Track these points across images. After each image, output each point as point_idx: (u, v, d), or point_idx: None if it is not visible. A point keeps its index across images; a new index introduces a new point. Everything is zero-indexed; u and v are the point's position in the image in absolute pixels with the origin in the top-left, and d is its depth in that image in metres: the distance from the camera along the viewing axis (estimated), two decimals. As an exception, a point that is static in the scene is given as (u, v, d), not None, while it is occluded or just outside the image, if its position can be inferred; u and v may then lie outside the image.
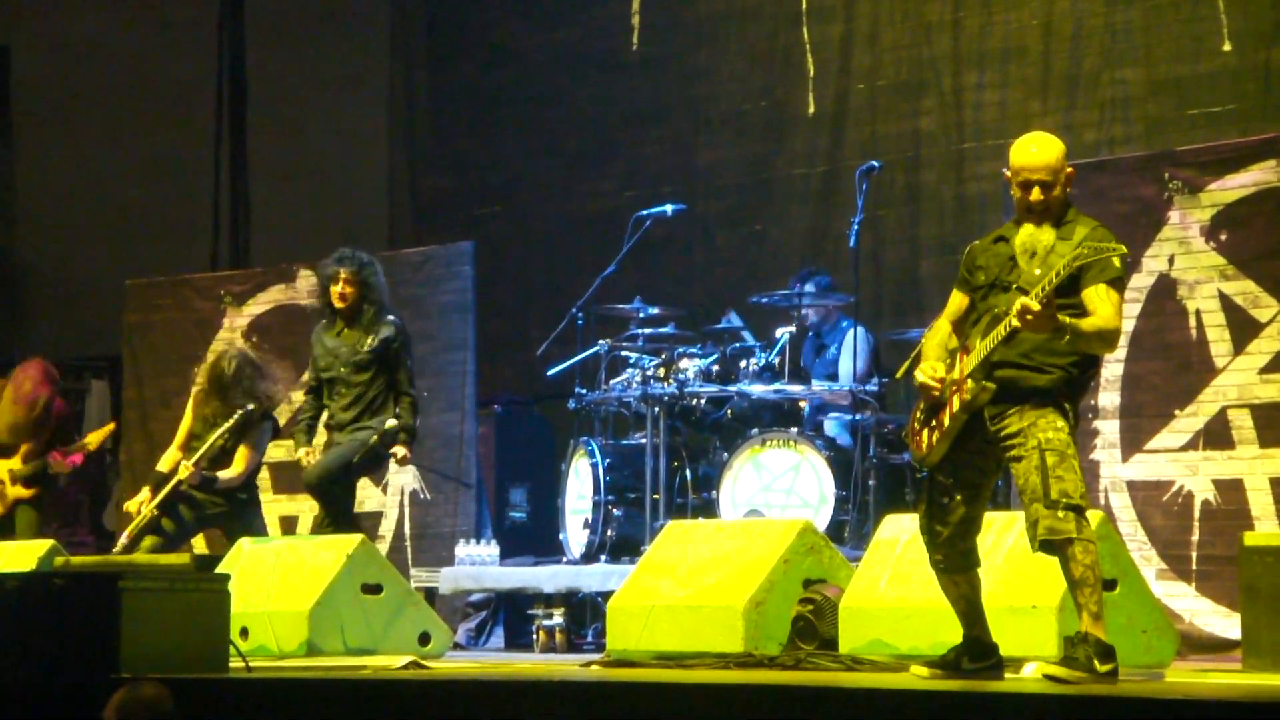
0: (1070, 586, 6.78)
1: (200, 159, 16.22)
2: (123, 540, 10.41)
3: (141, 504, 10.47)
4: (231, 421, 10.44)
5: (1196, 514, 9.44)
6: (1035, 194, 6.94)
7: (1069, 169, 7.00)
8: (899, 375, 10.57)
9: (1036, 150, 6.98)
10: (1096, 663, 6.61)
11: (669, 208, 11.75)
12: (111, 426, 12.48)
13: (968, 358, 6.92)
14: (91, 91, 17.39)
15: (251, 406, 10.55)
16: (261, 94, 16.17)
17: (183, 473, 10.37)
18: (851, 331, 11.11)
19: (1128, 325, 9.43)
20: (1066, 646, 6.75)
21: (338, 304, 10.38)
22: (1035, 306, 6.62)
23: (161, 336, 13.11)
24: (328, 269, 10.45)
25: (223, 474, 10.45)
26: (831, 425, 11.04)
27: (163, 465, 10.68)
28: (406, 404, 10.35)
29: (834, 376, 11.06)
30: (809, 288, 11.33)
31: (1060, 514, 6.72)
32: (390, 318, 10.46)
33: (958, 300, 7.15)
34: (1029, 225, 7.01)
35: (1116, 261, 6.80)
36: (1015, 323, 6.69)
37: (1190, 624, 9.30)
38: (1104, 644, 6.68)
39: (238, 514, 10.62)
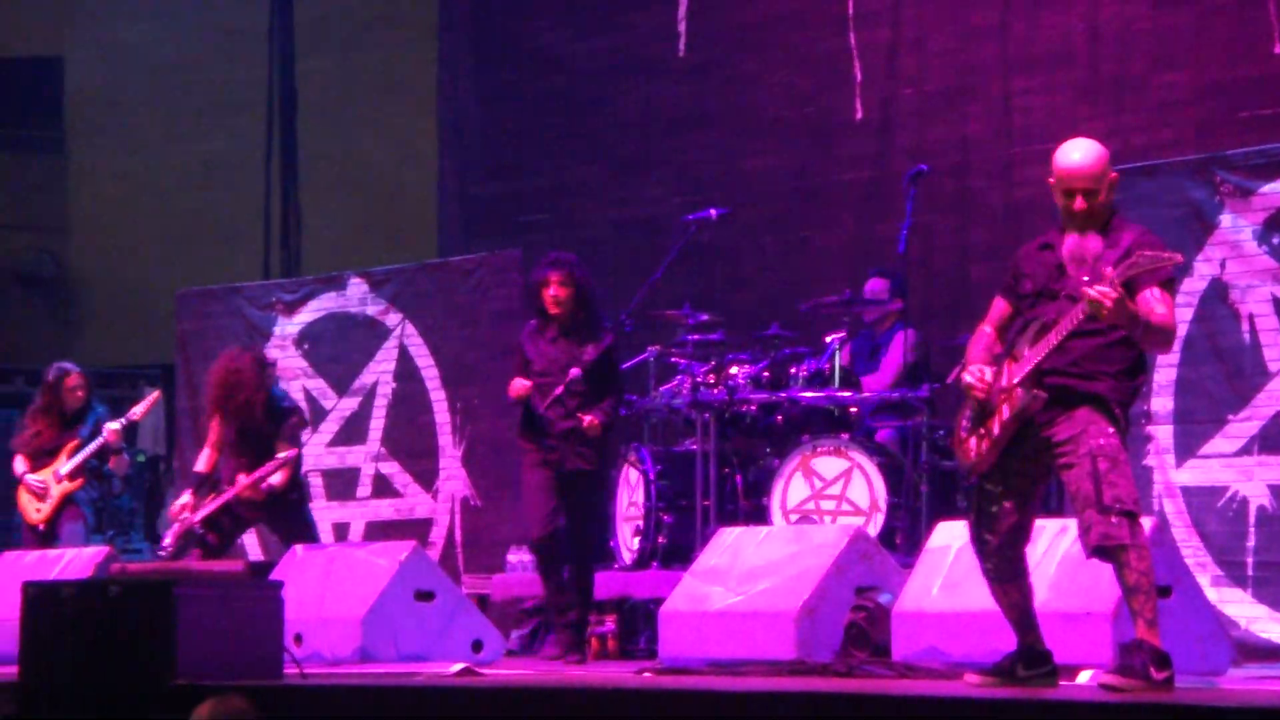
0: (1125, 593, 6.76)
1: (251, 167, 16.29)
2: (167, 544, 10.43)
3: (185, 508, 10.50)
4: (285, 432, 10.48)
5: (1252, 520, 9.40)
6: (1079, 201, 6.94)
7: (1113, 174, 6.99)
8: (950, 380, 10.59)
9: (1079, 157, 6.97)
10: (1152, 670, 6.59)
11: (713, 212, 11.74)
12: (157, 394, 12.43)
13: (1016, 365, 6.92)
14: (143, 100, 17.50)
15: (289, 398, 10.62)
16: (311, 102, 16.23)
17: (243, 491, 10.40)
18: (901, 333, 11.10)
19: (1181, 330, 9.39)
20: (1122, 654, 6.73)
21: (552, 309, 9.99)
22: (1113, 294, 6.60)
23: (214, 344, 13.13)
24: (538, 273, 10.09)
25: (273, 481, 10.48)
26: (884, 433, 11.02)
27: (201, 465, 10.68)
28: (615, 400, 10.08)
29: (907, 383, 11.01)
30: (876, 285, 11.32)
31: (1114, 520, 6.71)
32: (606, 322, 10.26)
33: (1001, 306, 7.15)
34: (1074, 232, 7.00)
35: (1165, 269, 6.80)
36: (1090, 308, 6.63)
37: (1246, 631, 9.25)
38: (1159, 651, 6.65)
39: (286, 513, 10.64)
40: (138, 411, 11.94)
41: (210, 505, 10.49)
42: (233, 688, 6.72)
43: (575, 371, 9.79)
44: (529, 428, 9.90)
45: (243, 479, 10.42)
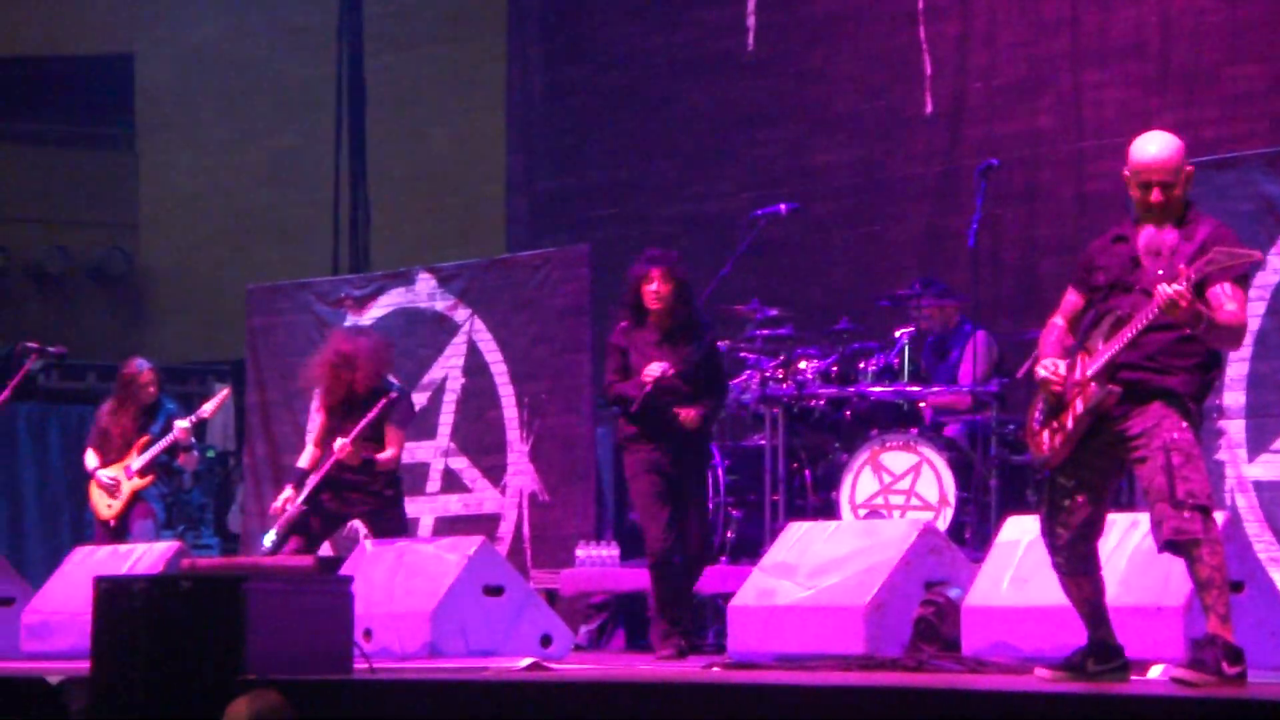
0: (1197, 588, 6.72)
1: (320, 163, 16.34)
2: (273, 537, 10.34)
3: (287, 501, 10.43)
4: (384, 401, 10.39)
5: (1324, 514, 9.33)
6: (1155, 194, 6.89)
7: (1189, 168, 6.95)
8: (1020, 375, 10.54)
9: (1155, 150, 6.93)
10: (1224, 665, 6.54)
11: (783, 207, 11.71)
12: (227, 391, 12.43)
13: (1090, 359, 6.88)
14: (213, 97, 17.60)
15: (396, 383, 10.58)
16: (380, 98, 16.27)
17: (342, 453, 10.23)
18: (973, 336, 11.04)
19: (1253, 324, 9.30)
20: (1194, 649, 6.69)
21: (653, 305, 9.83)
22: (1187, 294, 6.57)
23: (283, 340, 13.19)
24: (637, 269, 9.92)
25: (380, 455, 10.43)
26: (952, 428, 10.97)
27: (304, 462, 10.62)
28: (718, 399, 10.02)
29: (955, 381, 10.97)
30: (926, 303, 11.28)
31: (1186, 514, 6.67)
32: (706, 319, 10.14)
33: (1073, 299, 7.11)
34: (1150, 225, 6.96)
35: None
36: (1161, 309, 6.62)
37: (1319, 626, 9.17)
38: (1232, 646, 6.61)
39: (383, 510, 10.60)
40: (208, 409, 11.97)
41: (312, 481, 10.38)
42: (271, 683, 6.77)
43: (665, 367, 9.68)
44: (635, 429, 9.79)
45: (342, 441, 10.27)
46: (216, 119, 17.62)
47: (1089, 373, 6.85)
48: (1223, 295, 6.75)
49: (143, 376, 11.99)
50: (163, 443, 11.79)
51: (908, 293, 11.16)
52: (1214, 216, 7.10)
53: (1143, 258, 6.91)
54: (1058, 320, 7.14)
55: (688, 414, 9.67)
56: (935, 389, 10.87)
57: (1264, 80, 11.73)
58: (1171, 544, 6.72)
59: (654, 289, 9.81)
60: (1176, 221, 6.92)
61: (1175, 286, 6.59)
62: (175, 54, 17.89)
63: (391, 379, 10.74)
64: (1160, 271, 6.75)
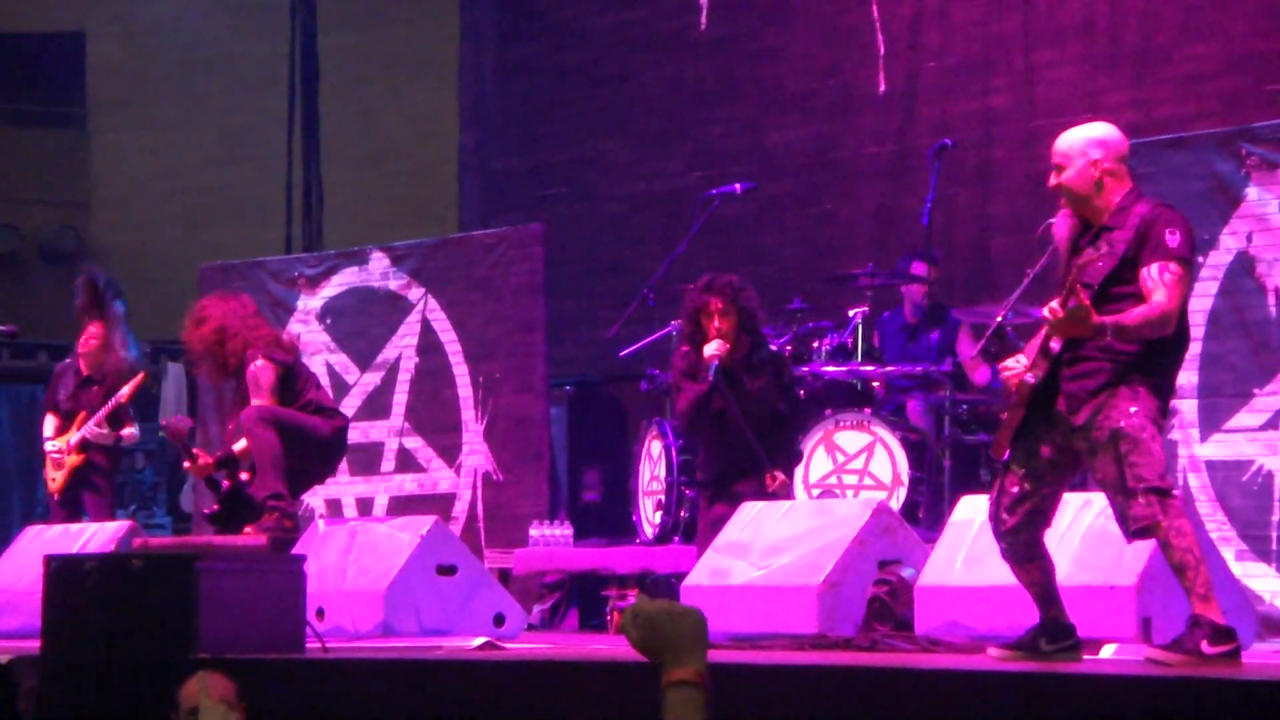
0: (1174, 572, 6.69)
1: (273, 142, 16.28)
2: None
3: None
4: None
5: (1276, 494, 9.34)
6: (1049, 178, 6.94)
7: (1095, 156, 6.90)
8: (974, 355, 10.57)
9: (1056, 141, 6.99)
10: (1204, 644, 6.51)
11: (739, 187, 11.71)
12: (142, 376, 12.14)
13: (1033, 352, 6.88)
14: (165, 75, 17.52)
15: None
16: (333, 76, 16.22)
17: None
18: (949, 314, 11.07)
19: (1206, 304, 9.35)
20: (1186, 628, 6.67)
21: (714, 338, 9.39)
22: (1060, 313, 6.59)
23: (236, 319, 13.13)
24: (695, 298, 9.46)
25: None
26: (912, 407, 10.99)
27: None
28: (793, 434, 9.67)
29: (940, 361, 10.93)
30: (920, 268, 11.26)
31: (1141, 500, 6.65)
32: (772, 347, 9.76)
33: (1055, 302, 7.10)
34: (1079, 221, 6.99)
35: (1167, 240, 6.72)
36: (1052, 329, 6.66)
37: (1271, 605, 9.21)
38: (1217, 625, 6.57)
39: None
40: (124, 393, 11.73)
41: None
42: (222, 663, 6.74)
43: (722, 346, 9.29)
44: (711, 488, 9.53)
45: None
46: (169, 97, 17.54)
47: (1028, 364, 6.86)
48: (1149, 279, 6.73)
49: (82, 333, 11.76)
50: (96, 416, 11.60)
51: (919, 271, 11.14)
52: (1166, 197, 7.10)
53: (1071, 256, 6.93)
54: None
55: (775, 484, 9.39)
56: (889, 368, 10.88)
57: (1215, 60, 11.77)
58: (1139, 532, 6.70)
59: (715, 325, 9.36)
60: (1104, 215, 6.90)
61: (1049, 306, 6.61)
62: (127, 32, 17.79)
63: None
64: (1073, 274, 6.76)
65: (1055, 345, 6.77)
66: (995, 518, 7.01)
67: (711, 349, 9.37)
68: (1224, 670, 6.36)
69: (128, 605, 7.75)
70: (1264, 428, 9.41)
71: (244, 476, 9.83)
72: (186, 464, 10.12)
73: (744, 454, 9.47)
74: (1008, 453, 6.96)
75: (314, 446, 9.80)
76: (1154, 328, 6.71)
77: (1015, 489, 6.94)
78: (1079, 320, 6.58)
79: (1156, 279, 6.71)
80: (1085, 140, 6.93)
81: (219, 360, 9.90)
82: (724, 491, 9.48)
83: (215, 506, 9.85)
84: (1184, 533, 6.65)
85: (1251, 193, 9.54)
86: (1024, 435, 6.90)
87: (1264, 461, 9.40)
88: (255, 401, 9.69)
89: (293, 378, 9.87)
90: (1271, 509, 9.34)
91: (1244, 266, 9.53)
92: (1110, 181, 6.89)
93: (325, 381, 12.33)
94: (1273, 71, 11.49)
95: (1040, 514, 6.97)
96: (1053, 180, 6.94)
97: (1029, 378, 6.79)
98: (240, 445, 9.84)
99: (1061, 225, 7.03)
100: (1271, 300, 9.46)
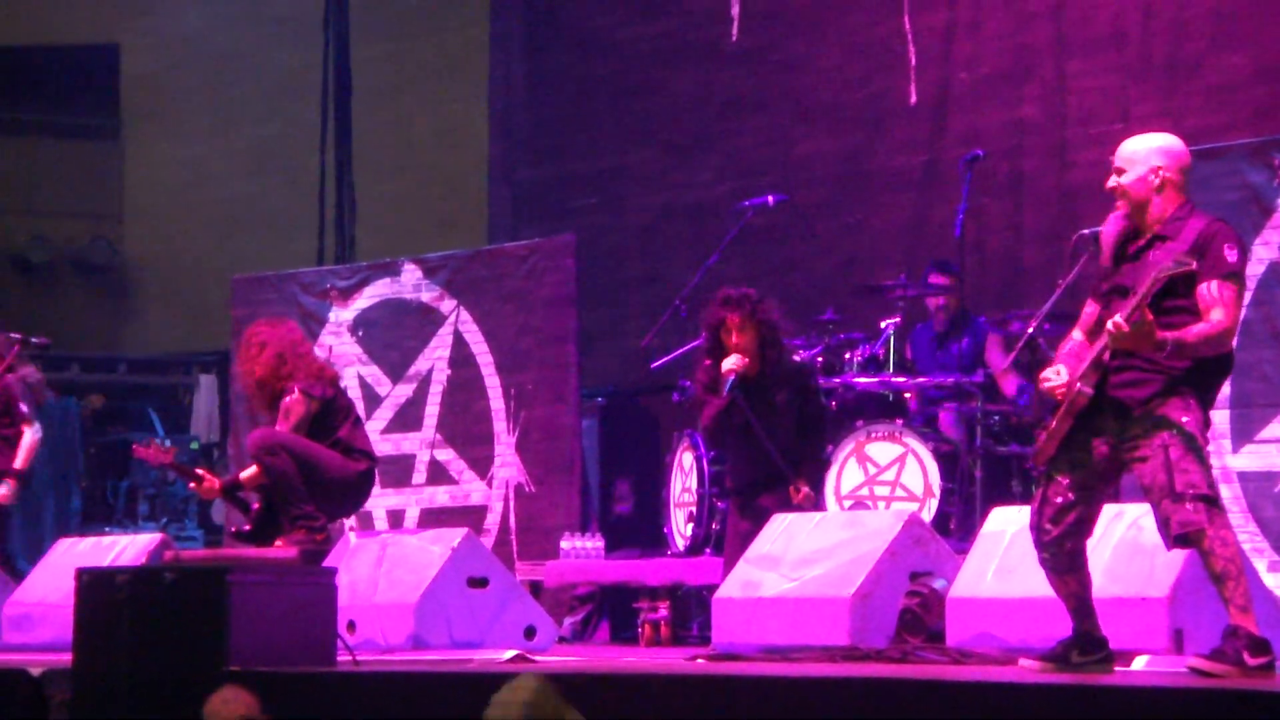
0: (1213, 581, 6.67)
1: (305, 153, 16.32)
2: None
3: None
4: None
5: (1309, 505, 9.33)
6: (1108, 179, 6.95)
7: (1158, 164, 6.91)
8: (1004, 367, 10.55)
9: (1120, 146, 6.99)
10: (1246, 655, 6.51)
11: (771, 198, 11.71)
12: (34, 441, 11.25)
13: (1082, 362, 6.87)
14: (198, 87, 17.59)
15: None
16: (365, 88, 16.26)
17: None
18: (977, 323, 11.05)
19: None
20: (1223, 639, 6.65)
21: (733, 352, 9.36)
22: (1125, 328, 6.58)
23: (268, 331, 13.15)
24: (713, 313, 9.45)
25: None
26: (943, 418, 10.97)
27: None
28: (817, 446, 9.63)
29: (968, 369, 10.92)
30: (937, 279, 11.25)
31: (1189, 506, 6.64)
32: (796, 359, 9.71)
33: (1090, 309, 7.07)
34: (1131, 224, 6.98)
35: (1226, 256, 6.73)
36: (1110, 341, 6.65)
37: (1303, 616, 9.17)
38: (1255, 637, 6.58)
39: None
40: (19, 461, 11.20)
41: None
42: (249, 677, 6.76)
43: (741, 360, 9.26)
44: (739, 503, 9.52)
45: None
46: (202, 109, 17.60)
47: (1076, 375, 6.84)
48: (1208, 295, 6.74)
49: None
50: None
51: (938, 279, 11.13)
52: (1198, 208, 7.09)
53: (1120, 263, 6.92)
54: (1075, 333, 7.11)
55: (800, 497, 9.37)
56: (921, 379, 10.86)
57: (1246, 70, 11.73)
58: (1181, 538, 6.69)
59: (733, 340, 9.32)
60: (1159, 225, 6.90)
61: (1114, 320, 6.60)
62: (160, 44, 17.87)
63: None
64: (1127, 285, 6.75)
65: (1107, 356, 6.77)
66: (1038, 528, 7.00)
67: (729, 364, 9.37)
68: (1264, 682, 6.34)
69: (159, 618, 7.77)
70: (1296, 439, 9.38)
71: (254, 506, 9.88)
72: (192, 485, 10.17)
73: (767, 467, 9.48)
74: (1049, 463, 6.95)
75: (328, 485, 9.80)
76: (1213, 345, 6.74)
77: (1059, 499, 6.93)
78: (1143, 335, 6.59)
79: (1216, 296, 6.72)
80: (1150, 148, 6.95)
81: (274, 389, 9.89)
82: (749, 505, 9.49)
83: (247, 526, 9.89)
84: (1228, 543, 6.66)
85: (1283, 202, 9.51)
86: (1070, 445, 6.89)
87: (1296, 473, 9.37)
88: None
89: (330, 413, 9.89)
90: (1304, 520, 9.31)
91: (1277, 277, 9.50)
92: (1169, 191, 6.91)
93: (357, 394, 12.37)
94: (1305, 81, 11.47)
95: (1084, 523, 6.98)
96: (1112, 182, 6.94)
97: (1085, 389, 6.77)
98: (247, 473, 9.87)
99: (1110, 228, 7.02)
100: (1304, 311, 9.43)
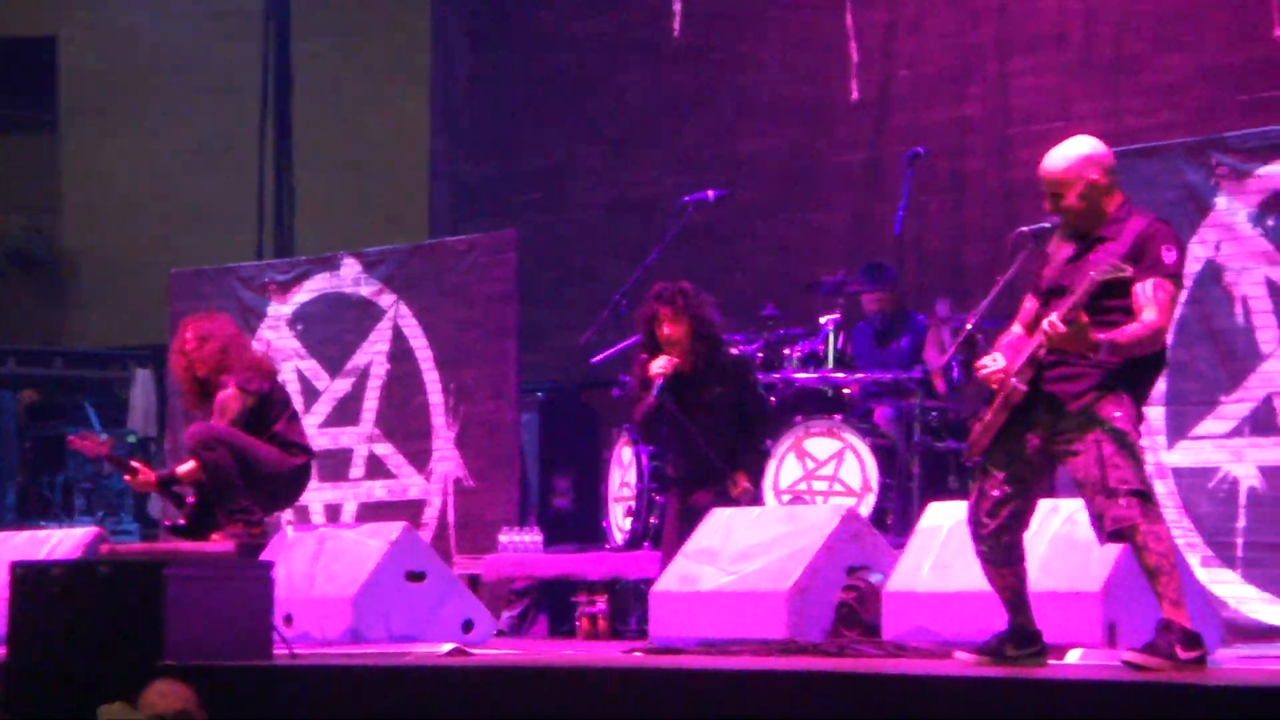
0: (1146, 576, 6.71)
1: (246, 148, 16.27)
2: None
3: None
4: None
5: (1242, 501, 9.37)
6: (1045, 204, 6.96)
7: (1092, 175, 6.92)
8: (942, 364, 10.58)
9: (1046, 160, 7.01)
10: (1179, 649, 6.55)
11: (711, 194, 11.72)
12: None
13: (1020, 357, 6.90)
14: (138, 80, 17.50)
15: None
16: (307, 82, 16.21)
17: None
18: (934, 324, 11.07)
19: (1174, 312, 9.35)
20: (1156, 634, 6.68)
21: (668, 350, 9.38)
22: (1061, 329, 6.61)
23: (206, 326, 13.10)
24: (646, 308, 9.46)
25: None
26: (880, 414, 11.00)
27: None
28: (757, 440, 9.61)
29: (908, 366, 10.95)
30: (869, 287, 11.26)
31: (1122, 502, 6.67)
32: (734, 352, 9.68)
33: (1029, 304, 7.10)
34: (1070, 230, 7.01)
35: (1164, 256, 6.77)
36: (1046, 340, 6.68)
37: (1236, 611, 9.23)
38: (1188, 631, 6.62)
39: None
40: None
41: None
42: (186, 671, 6.74)
43: (670, 361, 9.23)
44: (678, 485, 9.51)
45: None
46: (141, 102, 17.51)
47: (1013, 369, 6.87)
48: (1143, 296, 6.77)
49: None
50: None
51: (870, 284, 11.14)
52: (1137, 205, 7.12)
53: (1064, 265, 6.94)
54: (1015, 327, 7.13)
55: (739, 489, 9.39)
56: (859, 375, 10.89)
57: (1187, 70, 11.80)
58: (1115, 534, 6.72)
59: (665, 333, 9.31)
60: (1099, 227, 6.93)
61: (1049, 320, 6.63)
62: (100, 37, 17.78)
63: None
64: (1067, 285, 6.78)
65: (1043, 353, 6.80)
66: (975, 521, 7.03)
67: (657, 366, 9.37)
68: (1195, 676, 6.38)
69: (94, 612, 7.74)
70: (1230, 435, 9.44)
71: (189, 500, 9.85)
72: (127, 478, 10.14)
73: (703, 462, 9.47)
74: (984, 456, 6.97)
75: (266, 479, 9.78)
76: (1145, 345, 6.78)
77: (996, 493, 6.97)
78: (1078, 336, 6.62)
79: (1150, 296, 6.76)
80: (1079, 161, 6.95)
81: (212, 383, 9.85)
82: (687, 499, 9.49)
83: (182, 520, 9.85)
84: (1161, 537, 6.70)
85: (1221, 202, 9.57)
86: (1005, 438, 6.92)
87: (1230, 468, 9.42)
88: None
89: (266, 408, 9.86)
90: (1237, 516, 9.36)
91: (1212, 275, 9.55)
92: (1104, 196, 6.93)
93: (295, 388, 12.33)
94: (1244, 82, 11.53)
95: (1021, 517, 7.01)
96: (1049, 206, 6.96)
97: (1020, 384, 6.81)
98: (185, 468, 9.84)
99: (1058, 250, 7.03)
100: (1239, 309, 9.48)
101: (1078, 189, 6.92)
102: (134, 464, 10.11)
